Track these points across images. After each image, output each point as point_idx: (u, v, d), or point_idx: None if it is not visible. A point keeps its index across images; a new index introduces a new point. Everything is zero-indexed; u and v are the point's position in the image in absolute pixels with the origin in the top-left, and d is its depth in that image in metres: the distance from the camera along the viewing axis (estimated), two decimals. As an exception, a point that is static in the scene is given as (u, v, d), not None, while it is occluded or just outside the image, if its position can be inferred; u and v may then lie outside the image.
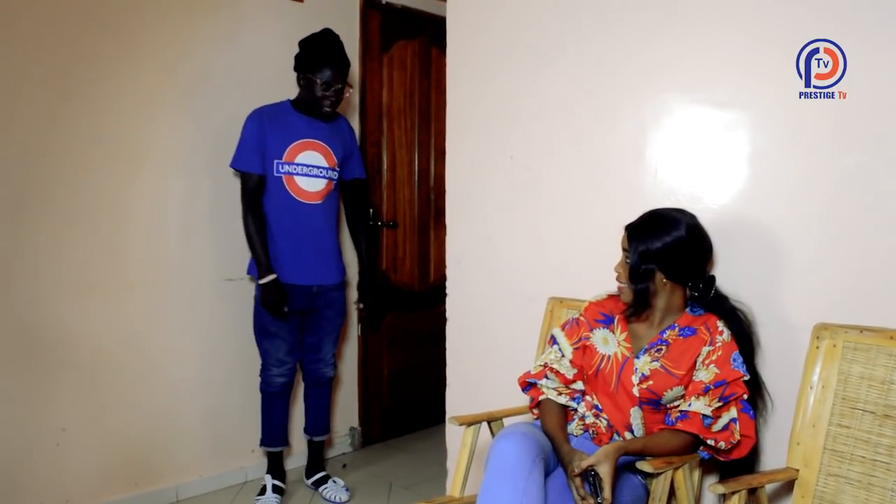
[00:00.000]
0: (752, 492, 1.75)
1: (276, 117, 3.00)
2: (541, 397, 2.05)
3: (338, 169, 3.11)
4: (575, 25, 2.41)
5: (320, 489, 3.17)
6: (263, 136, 2.95)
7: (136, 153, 2.93)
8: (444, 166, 2.85)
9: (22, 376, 2.69)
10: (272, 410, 3.12)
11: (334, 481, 3.20)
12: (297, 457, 3.48)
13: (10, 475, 2.67)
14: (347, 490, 3.17)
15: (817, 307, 1.89)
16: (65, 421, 2.79)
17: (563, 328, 2.10)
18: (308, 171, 3.00)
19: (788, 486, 1.87)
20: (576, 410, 2.02)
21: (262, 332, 3.05)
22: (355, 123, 3.63)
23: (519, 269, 2.60)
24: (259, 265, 2.93)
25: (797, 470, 1.80)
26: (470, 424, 2.11)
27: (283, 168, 2.96)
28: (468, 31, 2.75)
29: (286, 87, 3.24)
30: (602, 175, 2.36)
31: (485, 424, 2.16)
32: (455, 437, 2.56)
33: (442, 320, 2.87)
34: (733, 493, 1.67)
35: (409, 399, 3.98)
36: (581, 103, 2.40)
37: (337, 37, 3.03)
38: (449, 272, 2.84)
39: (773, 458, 1.94)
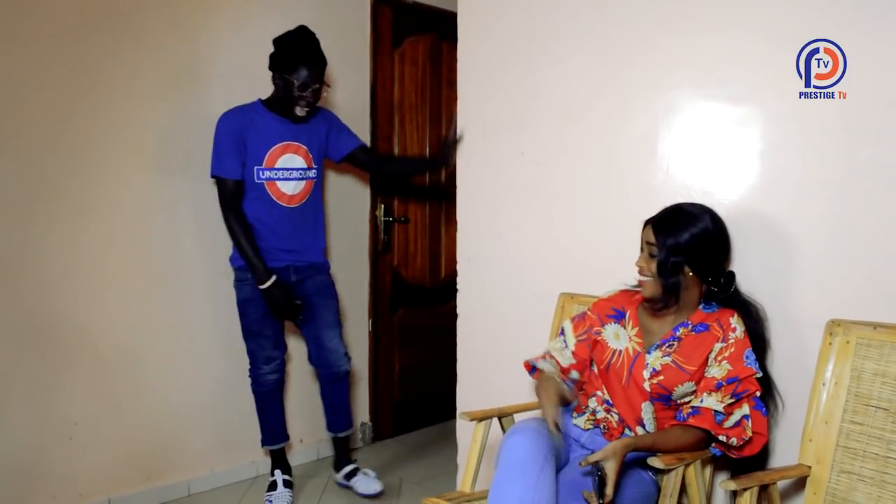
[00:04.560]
0: (764, 489, 1.74)
1: (253, 121, 2.88)
2: (539, 365, 2.12)
3: (315, 167, 3.01)
4: (586, 22, 2.40)
5: (351, 482, 3.14)
6: (242, 140, 2.85)
7: (149, 150, 2.94)
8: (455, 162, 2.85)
9: (35, 371, 2.71)
10: (268, 410, 3.10)
11: (365, 473, 3.17)
12: (298, 454, 3.50)
13: (24, 469, 2.70)
14: (378, 478, 3.15)
15: (830, 303, 1.88)
16: (77, 415, 2.81)
17: (572, 320, 2.13)
18: (289, 174, 2.92)
19: (800, 483, 1.87)
20: (579, 397, 2.05)
21: (247, 333, 3.02)
22: (366, 119, 3.62)
23: (530, 265, 2.60)
24: (255, 270, 2.83)
25: (809, 467, 1.80)
26: (481, 420, 2.11)
27: (263, 174, 2.88)
28: (479, 27, 2.75)
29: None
30: (614, 171, 2.35)
31: (495, 420, 2.16)
32: (466, 432, 2.56)
33: (453, 316, 2.87)
34: (745, 489, 1.67)
35: (420, 394, 3.99)
36: (593, 99, 2.39)
37: (313, 35, 2.88)
38: (460, 268, 2.84)
39: (783, 454, 1.94)
